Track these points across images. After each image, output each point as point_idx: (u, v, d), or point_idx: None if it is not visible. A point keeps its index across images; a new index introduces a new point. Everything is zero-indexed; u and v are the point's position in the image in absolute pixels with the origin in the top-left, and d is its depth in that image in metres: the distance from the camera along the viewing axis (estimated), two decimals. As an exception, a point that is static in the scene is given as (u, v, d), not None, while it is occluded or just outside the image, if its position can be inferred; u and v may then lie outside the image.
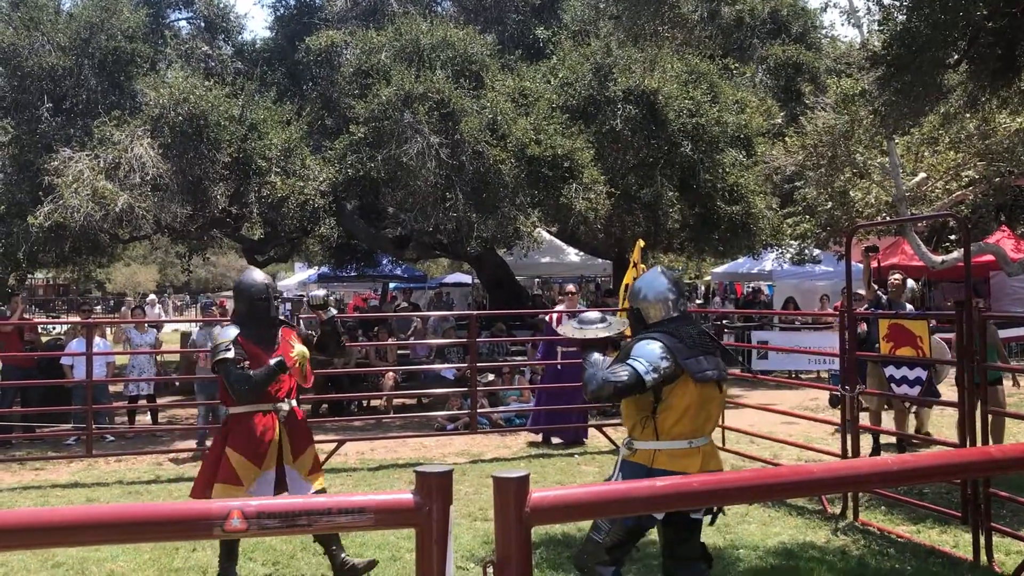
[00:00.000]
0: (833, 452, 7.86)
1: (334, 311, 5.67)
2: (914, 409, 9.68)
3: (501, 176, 11.72)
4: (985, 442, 5.85)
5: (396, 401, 13.04)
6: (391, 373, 12.50)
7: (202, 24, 15.39)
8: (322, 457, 9.30)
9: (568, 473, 8.75)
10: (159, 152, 11.34)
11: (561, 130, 12.29)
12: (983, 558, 5.61)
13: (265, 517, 1.72)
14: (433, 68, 12.08)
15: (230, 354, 5.15)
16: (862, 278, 9.67)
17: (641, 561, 5.82)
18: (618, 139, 12.87)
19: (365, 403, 13.13)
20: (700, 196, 13.75)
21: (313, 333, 5.74)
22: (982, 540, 5.63)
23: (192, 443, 10.32)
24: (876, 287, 9.38)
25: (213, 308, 13.70)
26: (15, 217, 11.65)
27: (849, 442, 6.87)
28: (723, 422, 9.02)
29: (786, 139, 15.04)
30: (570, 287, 11.73)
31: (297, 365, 5.34)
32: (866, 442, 8.55)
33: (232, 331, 5.30)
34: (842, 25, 73.79)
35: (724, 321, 18.04)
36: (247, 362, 5.19)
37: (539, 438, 10.42)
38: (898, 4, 8.00)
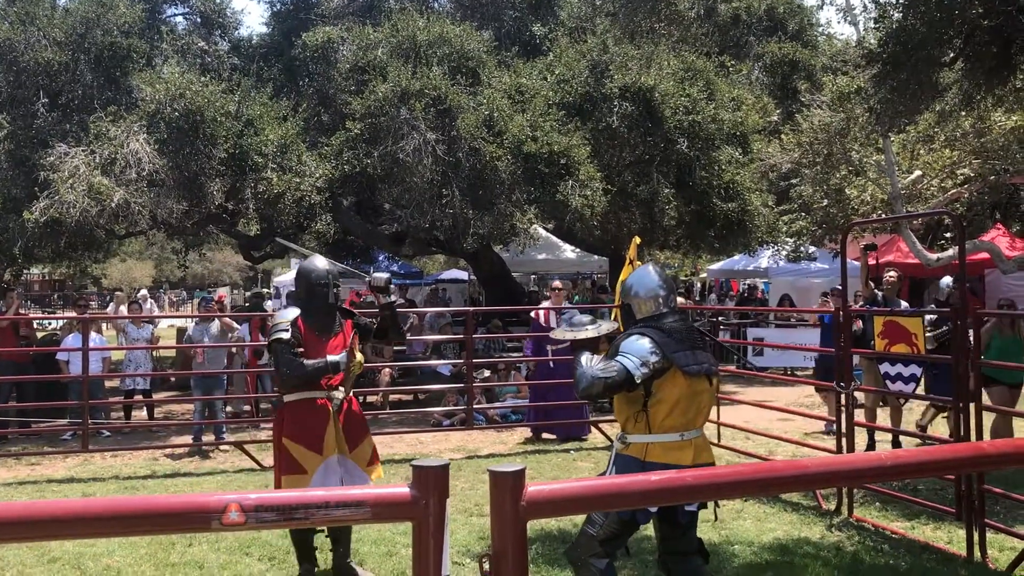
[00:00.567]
0: (828, 449, 7.89)
1: (395, 297, 5.50)
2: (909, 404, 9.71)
3: (497, 173, 11.73)
4: (980, 439, 5.88)
5: (392, 397, 13.04)
6: (387, 369, 12.51)
7: (198, 20, 15.37)
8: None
9: (564, 469, 8.77)
10: (155, 148, 11.32)
11: (557, 127, 12.30)
12: (977, 554, 5.63)
13: (263, 510, 1.72)
14: (430, 64, 12.08)
15: (286, 335, 5.04)
16: (859, 276, 9.69)
17: (637, 556, 5.84)
18: (614, 136, 12.89)
19: (361, 399, 13.12)
20: (696, 193, 13.77)
21: (373, 322, 5.57)
22: (976, 536, 5.66)
23: (188, 438, 10.31)
24: (872, 285, 9.40)
25: (212, 304, 13.67)
26: (11, 212, 11.63)
27: (844, 439, 6.90)
28: (718, 418, 9.04)
29: (782, 136, 15.08)
30: (556, 283, 11.75)
31: (351, 369, 5.16)
32: (861, 439, 8.58)
33: (292, 312, 5.19)
34: (838, 23, 73.94)
35: (720, 318, 18.08)
36: (301, 348, 5.08)
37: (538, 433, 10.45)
38: (894, 2, 8.02)
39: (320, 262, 5.39)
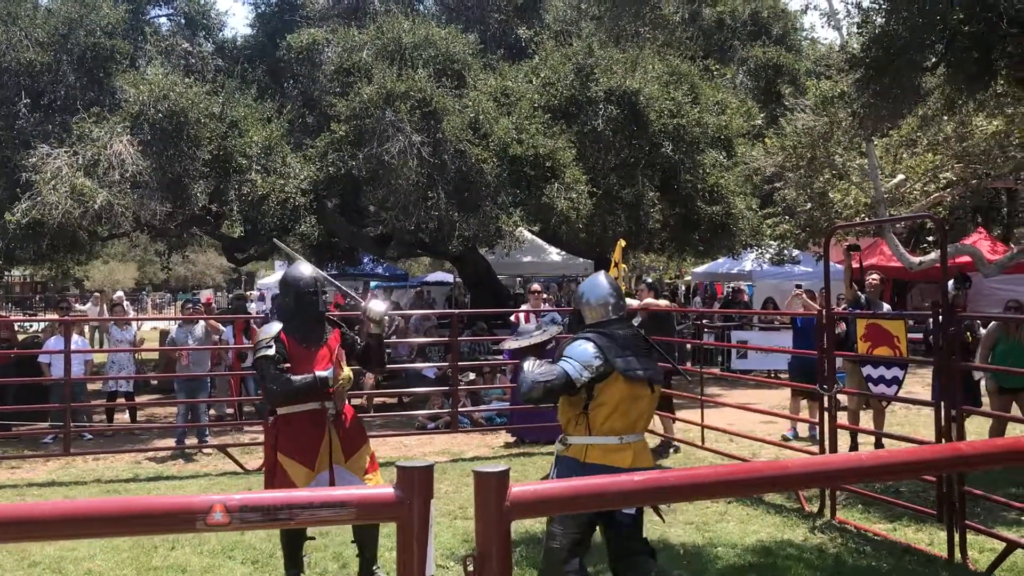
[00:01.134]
0: (811, 451, 7.93)
1: (382, 331, 5.33)
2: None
3: (483, 175, 11.74)
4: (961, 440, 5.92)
5: (377, 400, 13.02)
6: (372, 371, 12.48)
7: (182, 21, 15.32)
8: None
9: (548, 472, 8.76)
10: (138, 149, 11.27)
11: (543, 130, 12.32)
12: (958, 555, 5.68)
13: (247, 511, 1.72)
14: (415, 67, 12.07)
15: (270, 351, 4.97)
16: (843, 278, 9.75)
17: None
18: (599, 139, 12.92)
19: (346, 401, 13.07)
20: (681, 196, 13.83)
21: (358, 340, 5.46)
22: (957, 538, 5.70)
23: (171, 441, 10.26)
24: (855, 287, 9.45)
25: (199, 306, 13.59)
26: (-8, 214, 11.54)
27: (827, 441, 6.94)
28: (702, 420, 9.08)
29: (766, 140, 15.14)
30: (535, 286, 11.80)
31: (340, 385, 5.08)
32: (844, 442, 8.62)
33: (275, 327, 5.11)
34: (822, 27, 74.35)
35: (704, 321, 18.13)
36: (287, 364, 5.01)
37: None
38: (876, 7, 8.08)
39: (306, 269, 5.29)
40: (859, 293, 9.38)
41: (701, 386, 9.87)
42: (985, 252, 13.71)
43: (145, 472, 9.10)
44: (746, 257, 19.82)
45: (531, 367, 4.30)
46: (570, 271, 21.43)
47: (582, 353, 4.20)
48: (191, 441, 10.18)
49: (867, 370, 7.28)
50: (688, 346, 16.09)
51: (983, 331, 8.44)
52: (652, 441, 9.82)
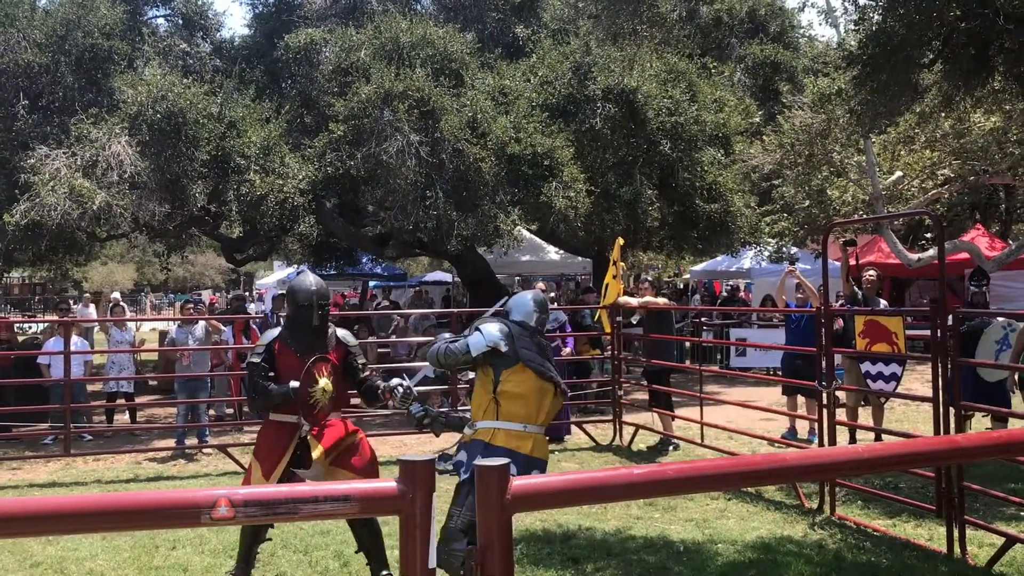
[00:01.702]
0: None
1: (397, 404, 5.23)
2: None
3: (481, 174, 11.74)
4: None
5: (376, 399, 13.01)
6: (371, 371, 12.48)
7: (180, 21, 15.30)
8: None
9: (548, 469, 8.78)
10: (137, 150, 11.27)
11: (541, 128, 12.32)
12: (957, 550, 5.70)
13: (252, 505, 1.74)
14: (413, 66, 12.07)
15: (257, 359, 5.20)
16: (840, 274, 9.77)
17: (620, 556, 5.88)
18: (597, 138, 12.92)
19: (345, 400, 13.08)
20: (679, 194, 13.83)
21: (365, 366, 5.51)
22: (956, 533, 5.72)
23: (171, 442, 10.27)
24: (853, 283, 9.47)
25: (200, 306, 13.58)
26: (-9, 215, 11.54)
27: (826, 437, 6.96)
28: (701, 418, 9.11)
29: (764, 138, 15.16)
30: (540, 285, 11.85)
31: (314, 400, 5.09)
32: (842, 439, 8.64)
33: (271, 335, 5.32)
34: (819, 24, 74.42)
35: (703, 318, 18.15)
36: (272, 372, 5.17)
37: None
38: (873, 4, 8.10)
39: (308, 281, 5.35)
40: (856, 289, 9.40)
41: (700, 384, 9.88)
42: (983, 248, 13.73)
43: (145, 472, 9.12)
44: (744, 255, 19.83)
45: (440, 338, 4.82)
46: (569, 270, 21.45)
47: (490, 331, 4.60)
48: (191, 441, 10.20)
49: (865, 366, 7.29)
50: (687, 344, 16.11)
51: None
52: (652, 438, 9.86)
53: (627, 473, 1.96)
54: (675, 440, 9.62)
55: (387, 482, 1.89)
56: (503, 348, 4.56)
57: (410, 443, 10.35)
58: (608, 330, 10.37)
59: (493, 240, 12.75)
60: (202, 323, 10.90)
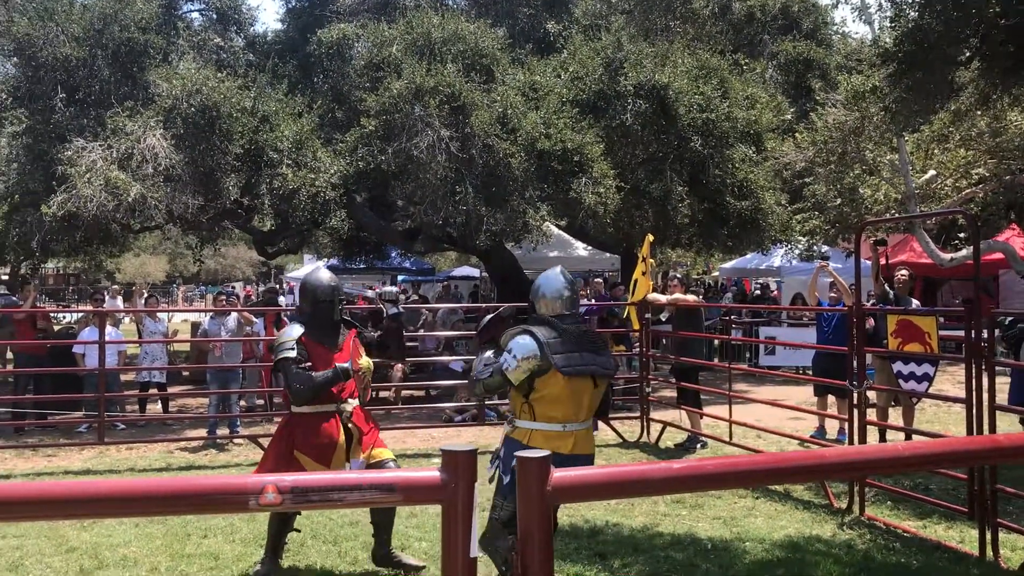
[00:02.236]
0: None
1: (400, 309, 5.62)
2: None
3: (511, 170, 11.76)
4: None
5: (404, 392, 13.10)
6: (400, 365, 12.55)
7: (214, 16, 15.46)
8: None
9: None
10: (171, 143, 11.40)
11: (571, 124, 12.31)
12: (989, 553, 5.64)
13: (299, 491, 1.78)
14: (444, 62, 12.11)
15: (292, 353, 5.20)
16: (871, 273, 9.68)
17: (649, 553, 5.88)
18: (628, 134, 12.89)
19: (374, 394, 13.18)
20: (709, 191, 13.76)
21: (375, 335, 5.69)
22: (988, 536, 5.67)
23: (202, 432, 10.39)
24: (884, 283, 9.39)
25: (233, 298, 13.72)
26: (28, 206, 11.73)
27: (856, 438, 6.91)
28: (730, 416, 9.07)
29: (796, 135, 15.04)
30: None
31: (361, 374, 5.34)
32: (873, 439, 8.58)
33: (296, 330, 5.33)
34: (853, 21, 73.65)
35: (732, 316, 18.06)
36: (308, 363, 5.23)
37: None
38: (910, 1, 8.01)
39: (324, 276, 5.51)
40: (888, 289, 9.32)
41: (729, 382, 9.85)
42: (1018, 249, 13.53)
43: (177, 462, 9.24)
44: (775, 253, 19.70)
45: (478, 363, 4.67)
46: (597, 266, 21.42)
47: (522, 347, 4.41)
48: (222, 431, 10.31)
49: (897, 366, 7.23)
50: (716, 341, 16.04)
51: None
52: (679, 436, 9.84)
53: (666, 467, 1.98)
54: (703, 438, 9.59)
55: (430, 471, 1.91)
56: (539, 363, 4.39)
57: (438, 436, 10.41)
58: (637, 327, 10.35)
59: (522, 235, 12.77)
60: (234, 315, 11.02)
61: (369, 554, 5.67)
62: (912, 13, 7.96)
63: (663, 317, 10.44)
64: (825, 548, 5.99)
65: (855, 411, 6.91)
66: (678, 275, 12.74)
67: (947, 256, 12.09)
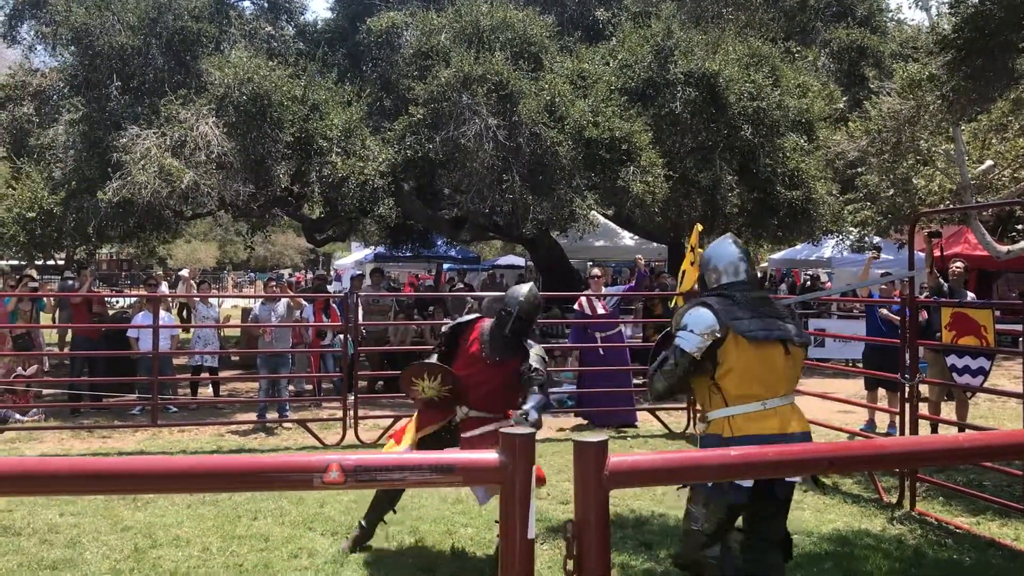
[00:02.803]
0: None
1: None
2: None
3: (558, 158, 11.73)
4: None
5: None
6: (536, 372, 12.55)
7: (265, 4, 15.63)
8: (378, 433, 9.48)
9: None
10: (223, 131, 11.56)
11: (619, 112, 12.25)
12: (1045, 551, 5.54)
13: (362, 471, 1.81)
14: (492, 50, 12.11)
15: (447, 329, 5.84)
16: (924, 264, 9.51)
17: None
18: (677, 122, 12.78)
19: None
20: (759, 181, 13.60)
21: (534, 376, 5.61)
22: (1045, 533, 5.56)
23: (252, 415, 10.56)
24: (938, 275, 9.22)
25: (284, 283, 13.92)
26: (84, 192, 11.97)
27: (907, 432, 6.81)
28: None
29: (849, 124, 14.79)
30: (596, 271, 11.87)
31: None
32: (924, 433, 8.44)
33: (474, 320, 5.86)
34: (909, 8, 72.10)
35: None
36: (444, 347, 5.76)
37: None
38: (970, -14, 7.83)
39: (520, 290, 5.78)
40: (941, 281, 9.15)
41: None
42: (1078, 241, 13.18)
43: (228, 445, 9.40)
44: (825, 244, 19.43)
45: (652, 366, 4.14)
46: (643, 255, 21.32)
47: (698, 319, 3.94)
48: (272, 416, 10.47)
49: (951, 360, 7.10)
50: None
51: None
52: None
53: (723, 453, 1.97)
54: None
55: (489, 453, 1.94)
56: (719, 333, 3.90)
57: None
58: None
59: (568, 224, 12.75)
60: (284, 300, 11.16)
61: (415, 540, 5.71)
62: (972, -1, 7.79)
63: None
64: (874, 542, 5.92)
65: (907, 405, 6.80)
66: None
67: (1004, 248, 11.83)
